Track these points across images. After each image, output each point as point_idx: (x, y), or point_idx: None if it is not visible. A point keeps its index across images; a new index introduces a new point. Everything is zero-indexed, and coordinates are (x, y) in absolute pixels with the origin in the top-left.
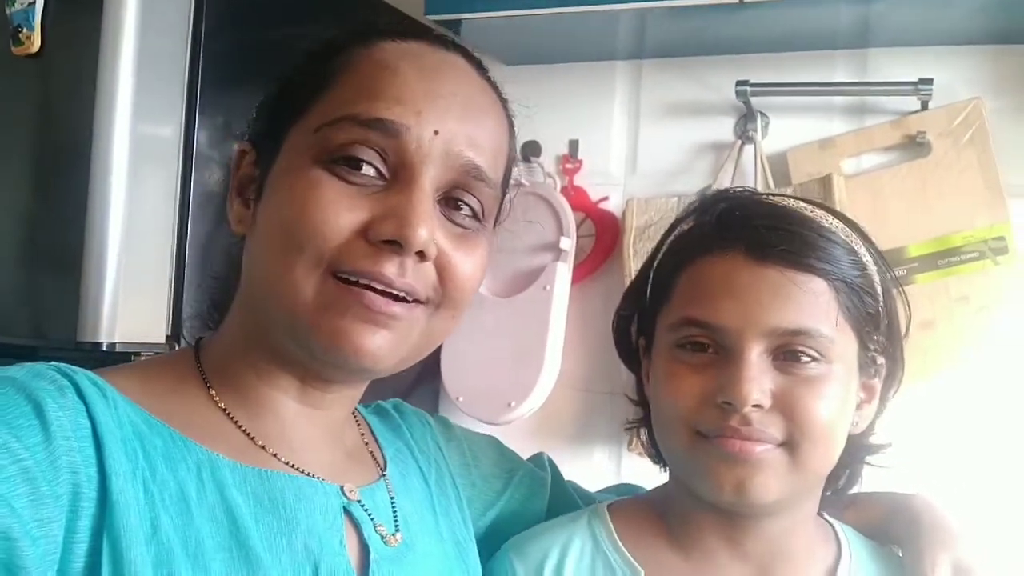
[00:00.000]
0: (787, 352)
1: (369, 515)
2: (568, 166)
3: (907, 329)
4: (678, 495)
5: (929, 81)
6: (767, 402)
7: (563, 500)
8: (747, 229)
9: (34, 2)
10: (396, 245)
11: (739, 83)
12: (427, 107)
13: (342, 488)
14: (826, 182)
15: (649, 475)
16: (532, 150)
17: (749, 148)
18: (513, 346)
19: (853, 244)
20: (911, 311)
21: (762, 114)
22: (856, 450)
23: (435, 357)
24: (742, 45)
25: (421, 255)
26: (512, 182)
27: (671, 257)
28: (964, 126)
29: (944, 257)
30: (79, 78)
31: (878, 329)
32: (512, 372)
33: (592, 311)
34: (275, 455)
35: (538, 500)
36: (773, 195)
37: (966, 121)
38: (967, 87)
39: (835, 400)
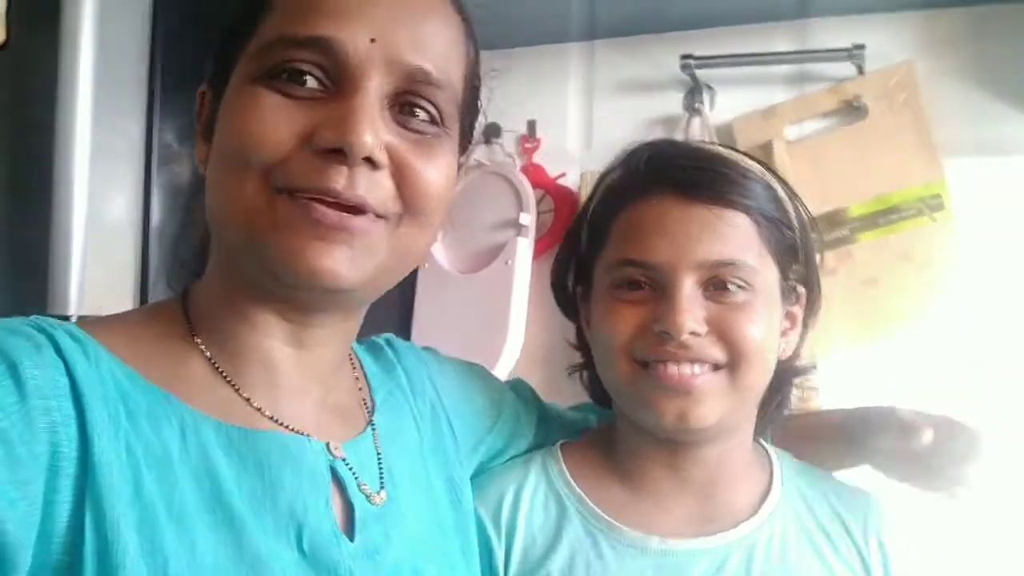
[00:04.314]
0: (716, 283)
1: (353, 473)
2: (527, 145)
3: (821, 259)
4: (623, 430)
5: (861, 47)
6: (702, 329)
7: (548, 432)
8: (674, 171)
9: None
10: (341, 154)
11: (683, 57)
12: (361, 15)
13: (327, 445)
14: (767, 148)
15: None
16: (492, 131)
17: (697, 120)
18: (478, 319)
19: (770, 181)
20: (823, 243)
21: (708, 87)
22: (784, 374)
23: (407, 331)
24: (687, 21)
25: (370, 162)
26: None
27: (603, 205)
28: (898, 89)
29: (884, 216)
30: (47, 69)
31: (797, 260)
32: (478, 344)
33: None
34: (259, 409)
35: (522, 439)
36: (692, 143)
37: (899, 84)
38: (901, 51)
39: (763, 323)
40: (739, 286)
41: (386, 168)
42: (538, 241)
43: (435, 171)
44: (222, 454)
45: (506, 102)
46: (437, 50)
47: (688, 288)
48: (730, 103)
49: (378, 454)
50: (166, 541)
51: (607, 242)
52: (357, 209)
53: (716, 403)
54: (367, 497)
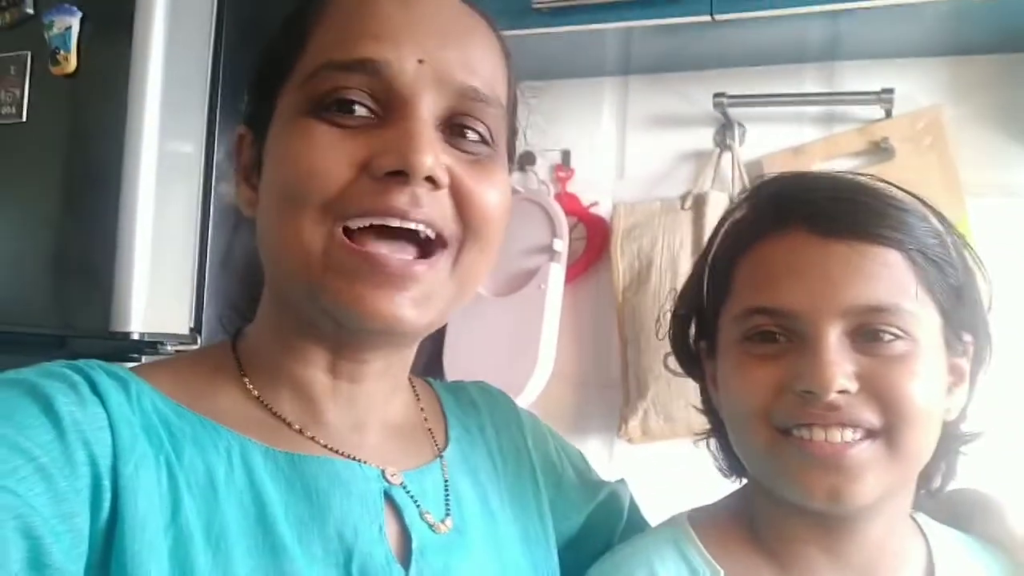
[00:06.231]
0: (866, 332)
1: (414, 500)
2: (561, 174)
3: (990, 302)
4: (763, 502)
5: (890, 91)
6: (853, 386)
7: (634, 529)
8: (807, 204)
9: (70, 26)
10: (402, 176)
11: (716, 95)
12: (407, 37)
13: (383, 471)
14: None
15: (639, 462)
16: (528, 160)
17: (727, 156)
18: (511, 341)
19: (925, 212)
20: (991, 283)
21: (739, 124)
22: (950, 440)
23: (439, 351)
24: (719, 60)
25: (431, 182)
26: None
27: (726, 248)
28: (925, 132)
29: None
30: (111, 94)
31: (962, 303)
32: (510, 366)
33: (584, 308)
34: (312, 438)
35: (611, 527)
36: (824, 172)
37: (927, 127)
38: (928, 95)
39: (925, 378)
40: (895, 335)
41: (446, 188)
42: (570, 267)
43: (493, 191)
44: (269, 479)
45: (542, 132)
46: (484, 68)
47: (834, 338)
48: (760, 140)
49: (445, 482)
50: (199, 566)
51: (731, 289)
52: (420, 246)
53: (874, 478)
54: (430, 526)
